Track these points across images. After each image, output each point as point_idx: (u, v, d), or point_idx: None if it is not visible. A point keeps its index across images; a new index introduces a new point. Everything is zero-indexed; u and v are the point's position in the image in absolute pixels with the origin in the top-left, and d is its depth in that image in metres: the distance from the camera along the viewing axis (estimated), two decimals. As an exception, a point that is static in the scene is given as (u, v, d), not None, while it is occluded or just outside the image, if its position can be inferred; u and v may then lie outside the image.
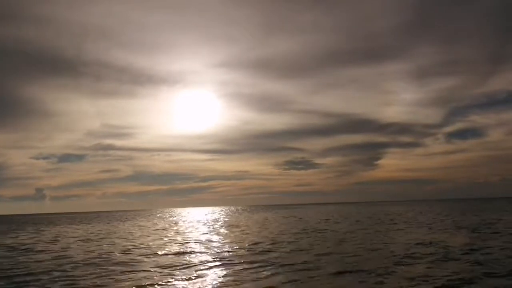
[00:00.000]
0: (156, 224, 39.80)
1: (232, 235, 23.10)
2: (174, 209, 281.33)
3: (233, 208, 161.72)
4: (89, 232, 30.37)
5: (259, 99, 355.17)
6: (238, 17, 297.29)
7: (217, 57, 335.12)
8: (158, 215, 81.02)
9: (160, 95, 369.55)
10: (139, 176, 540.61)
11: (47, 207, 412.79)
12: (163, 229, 30.41)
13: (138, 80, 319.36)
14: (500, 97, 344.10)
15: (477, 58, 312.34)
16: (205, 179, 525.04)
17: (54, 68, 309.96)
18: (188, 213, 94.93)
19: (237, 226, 30.53)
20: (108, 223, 46.52)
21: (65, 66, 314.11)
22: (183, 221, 44.79)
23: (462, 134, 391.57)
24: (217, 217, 53.09)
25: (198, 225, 34.31)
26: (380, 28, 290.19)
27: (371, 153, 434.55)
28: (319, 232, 22.86)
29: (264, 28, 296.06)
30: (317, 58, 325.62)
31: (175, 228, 31.07)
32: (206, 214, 73.02)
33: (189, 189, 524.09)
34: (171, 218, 57.17)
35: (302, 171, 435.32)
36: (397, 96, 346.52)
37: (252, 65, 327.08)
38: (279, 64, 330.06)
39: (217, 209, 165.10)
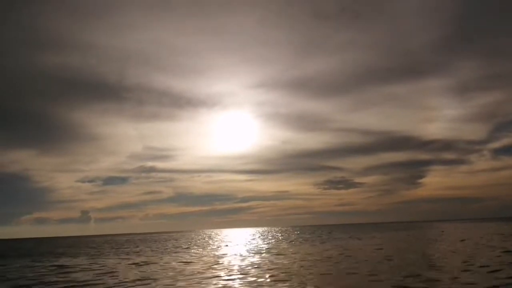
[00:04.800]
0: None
1: None
2: (216, 230, 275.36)
3: (277, 229, 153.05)
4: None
5: (297, 118, 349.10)
6: (274, 38, 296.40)
7: (254, 78, 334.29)
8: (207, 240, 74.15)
9: (200, 117, 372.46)
10: (180, 197, 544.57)
11: (92, 229, 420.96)
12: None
13: (178, 103, 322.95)
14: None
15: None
16: (245, 199, 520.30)
17: (98, 93, 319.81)
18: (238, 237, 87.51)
19: None
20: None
21: (108, 91, 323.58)
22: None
23: (509, 150, 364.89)
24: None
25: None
26: (418, 44, 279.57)
27: (413, 171, 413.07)
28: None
29: (301, 48, 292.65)
30: (355, 76, 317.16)
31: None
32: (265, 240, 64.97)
33: (229, 209, 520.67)
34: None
35: (343, 191, 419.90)
36: (439, 112, 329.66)
37: (289, 84, 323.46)
38: (317, 83, 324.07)
39: (260, 230, 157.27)
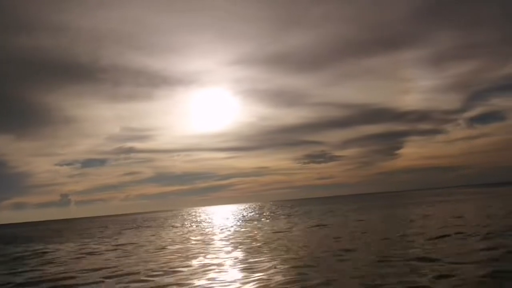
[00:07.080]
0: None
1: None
2: (197, 208, 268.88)
3: (258, 205, 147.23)
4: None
5: (275, 94, 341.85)
6: (249, 14, 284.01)
7: (231, 55, 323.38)
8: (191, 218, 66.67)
9: (177, 96, 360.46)
10: (160, 177, 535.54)
11: (72, 212, 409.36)
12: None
13: (154, 82, 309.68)
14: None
15: (495, 41, 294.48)
16: (225, 177, 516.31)
17: (72, 75, 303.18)
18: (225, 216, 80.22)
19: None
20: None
21: (82, 73, 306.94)
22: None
23: (483, 119, 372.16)
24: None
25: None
26: (393, 15, 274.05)
27: (391, 142, 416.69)
28: None
29: (277, 24, 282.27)
30: (332, 50, 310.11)
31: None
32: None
33: (210, 187, 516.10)
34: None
35: (323, 164, 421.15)
36: (415, 84, 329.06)
37: (266, 60, 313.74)
38: (294, 58, 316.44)
39: (243, 206, 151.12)
